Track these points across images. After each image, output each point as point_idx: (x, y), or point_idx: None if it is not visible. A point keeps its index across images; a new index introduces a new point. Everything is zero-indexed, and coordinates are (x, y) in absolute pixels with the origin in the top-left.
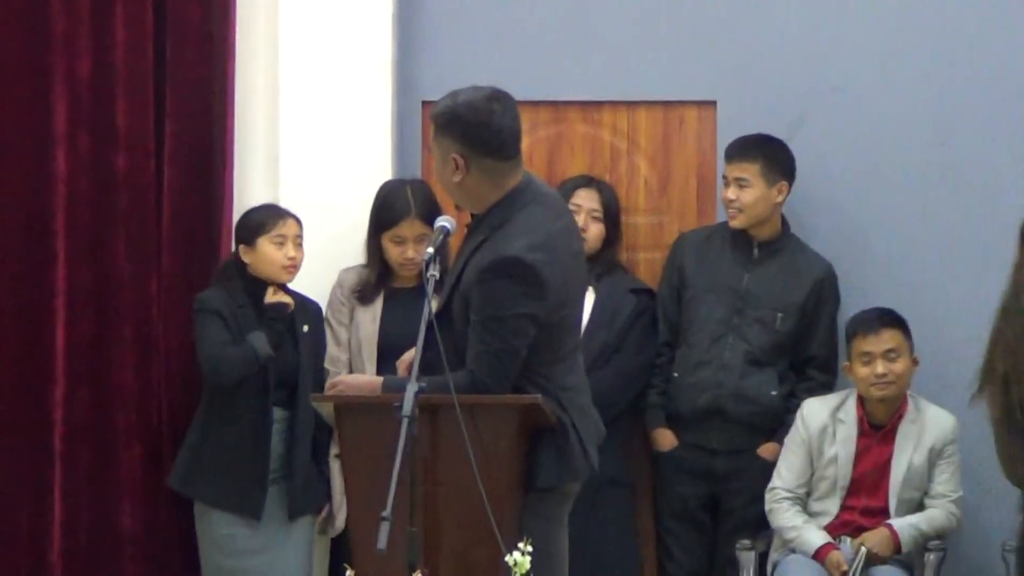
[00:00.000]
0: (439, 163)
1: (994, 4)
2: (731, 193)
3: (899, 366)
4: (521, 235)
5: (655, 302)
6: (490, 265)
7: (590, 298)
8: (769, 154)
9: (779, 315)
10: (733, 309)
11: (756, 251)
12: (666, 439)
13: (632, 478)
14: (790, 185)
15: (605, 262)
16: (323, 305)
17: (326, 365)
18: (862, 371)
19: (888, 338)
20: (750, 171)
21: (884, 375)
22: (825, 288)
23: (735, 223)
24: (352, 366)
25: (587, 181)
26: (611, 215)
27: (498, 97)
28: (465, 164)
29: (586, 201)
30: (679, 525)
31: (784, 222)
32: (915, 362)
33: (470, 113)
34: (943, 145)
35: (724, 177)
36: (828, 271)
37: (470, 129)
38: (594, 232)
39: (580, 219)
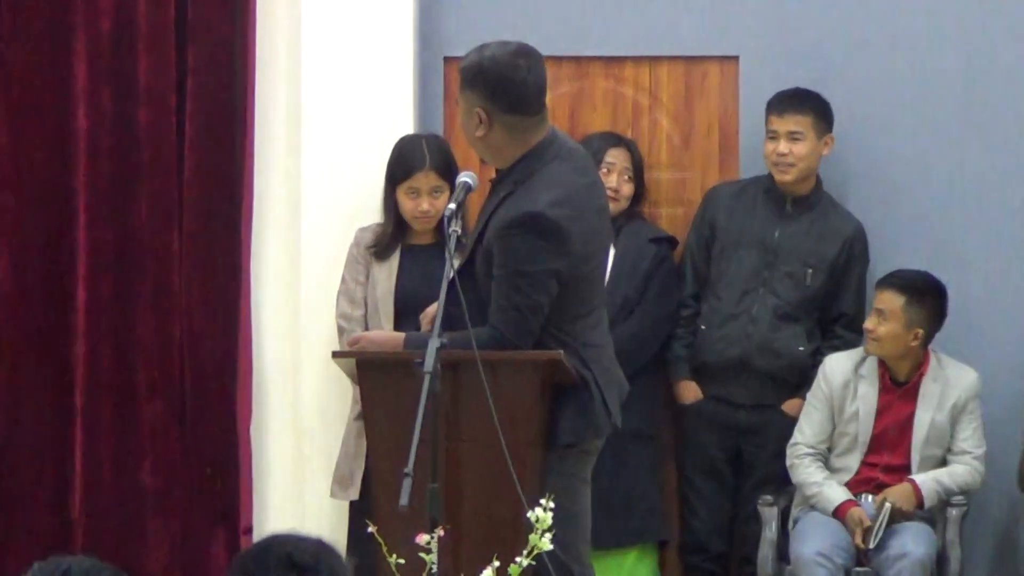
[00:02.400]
0: (464, 117)
1: None
2: (783, 147)
3: (883, 328)
4: (545, 190)
5: (675, 250)
6: (513, 220)
7: (611, 251)
8: (819, 107)
9: (809, 271)
10: (764, 263)
11: (789, 206)
12: (690, 391)
13: (658, 431)
14: (832, 137)
15: (625, 214)
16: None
17: (340, 323)
18: (865, 322)
19: (884, 298)
20: (804, 124)
21: (869, 330)
22: (856, 246)
23: (788, 177)
24: (368, 324)
25: (616, 140)
26: (639, 173)
27: (525, 52)
28: (488, 119)
29: (620, 160)
30: (701, 479)
31: (818, 178)
32: (915, 336)
33: (495, 68)
34: (974, 100)
35: (773, 131)
36: (859, 230)
37: (494, 84)
38: (627, 192)
39: (613, 178)
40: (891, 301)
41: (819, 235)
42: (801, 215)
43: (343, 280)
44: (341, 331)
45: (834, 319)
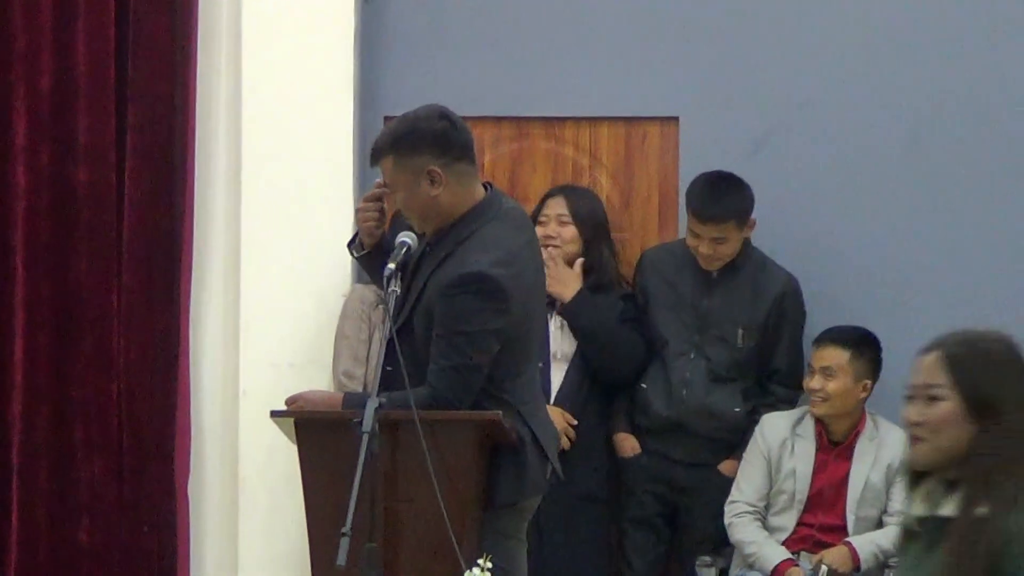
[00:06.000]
0: (408, 189)
1: (962, 16)
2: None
3: (833, 385)
4: (485, 250)
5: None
6: (456, 280)
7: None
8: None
9: (740, 332)
10: (694, 327)
11: (715, 271)
12: (628, 444)
13: (608, 494)
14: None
15: (597, 285)
16: (294, 318)
17: (342, 379)
18: (806, 381)
19: (827, 355)
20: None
21: (817, 390)
22: (787, 302)
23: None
24: (368, 384)
25: (559, 189)
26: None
27: (439, 108)
28: (442, 174)
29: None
30: (638, 532)
31: (746, 239)
32: (864, 388)
33: (431, 124)
34: (914, 159)
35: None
36: (789, 285)
37: (439, 136)
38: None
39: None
40: (836, 357)
41: (748, 296)
42: (729, 277)
43: (344, 337)
44: (341, 389)
45: (769, 376)
